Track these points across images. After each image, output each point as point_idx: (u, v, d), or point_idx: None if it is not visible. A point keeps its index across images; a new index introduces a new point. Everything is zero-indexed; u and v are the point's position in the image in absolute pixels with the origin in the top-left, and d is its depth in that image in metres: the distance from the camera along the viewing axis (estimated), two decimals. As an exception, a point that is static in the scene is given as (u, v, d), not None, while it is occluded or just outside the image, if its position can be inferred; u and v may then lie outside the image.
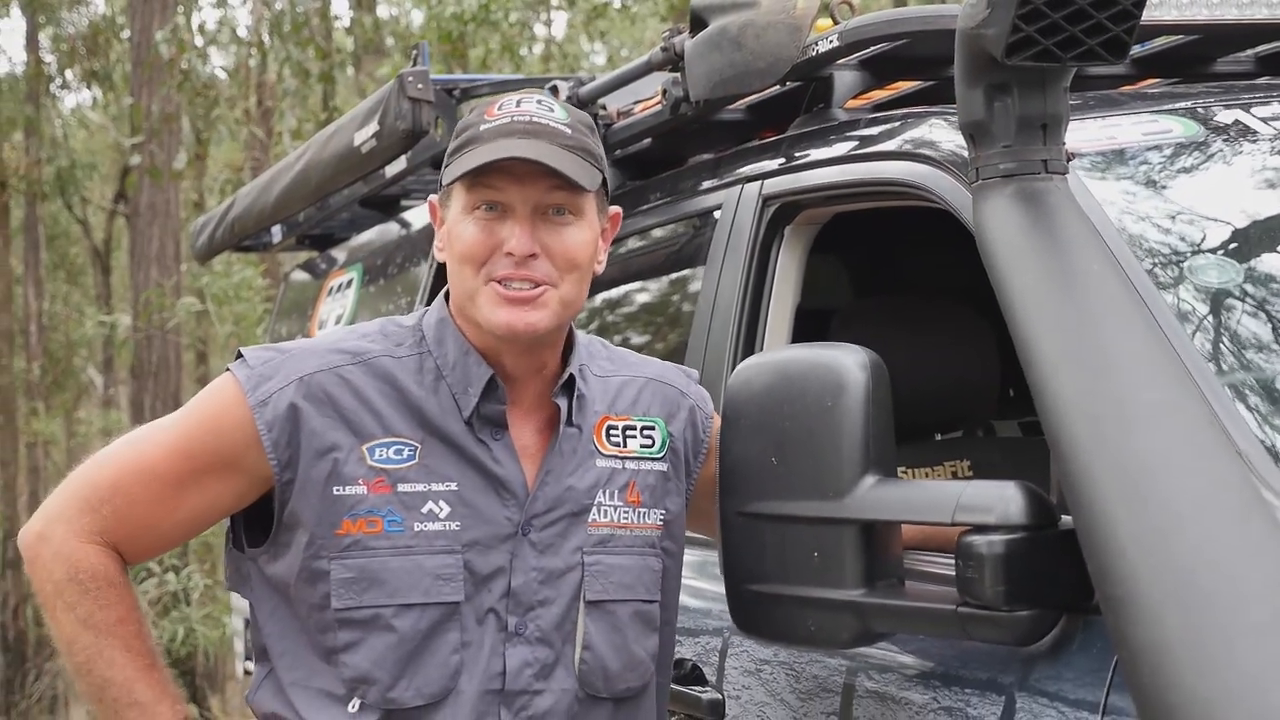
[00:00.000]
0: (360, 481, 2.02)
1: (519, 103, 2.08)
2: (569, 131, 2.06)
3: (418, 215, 4.59)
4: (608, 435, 2.17)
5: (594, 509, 2.13)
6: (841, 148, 2.73)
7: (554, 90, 3.57)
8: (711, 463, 2.29)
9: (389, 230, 4.70)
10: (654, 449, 2.21)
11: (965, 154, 2.32)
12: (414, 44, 4.00)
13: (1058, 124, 2.06)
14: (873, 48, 2.76)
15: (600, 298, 3.56)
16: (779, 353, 2.14)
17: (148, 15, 13.16)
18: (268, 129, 11.96)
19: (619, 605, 2.13)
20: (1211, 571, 1.58)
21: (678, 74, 3.09)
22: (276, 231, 5.51)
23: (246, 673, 5.48)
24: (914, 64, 2.95)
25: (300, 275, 5.61)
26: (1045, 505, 1.88)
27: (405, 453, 2.04)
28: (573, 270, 2.06)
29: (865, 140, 2.67)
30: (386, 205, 4.87)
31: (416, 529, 2.02)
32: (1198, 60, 3.06)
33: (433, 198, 2.17)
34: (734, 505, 2.10)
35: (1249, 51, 3.08)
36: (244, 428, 2.03)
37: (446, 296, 2.16)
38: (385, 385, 2.07)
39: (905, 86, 3.18)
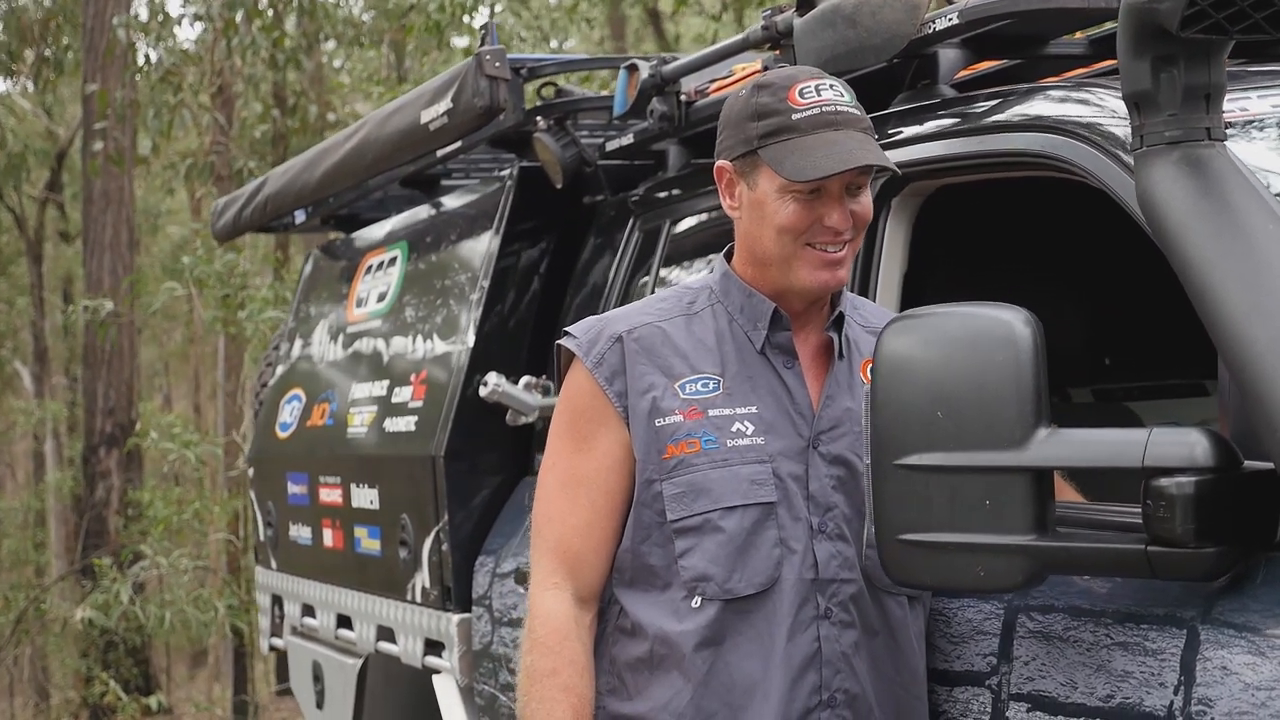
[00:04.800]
0: (677, 412, 2.39)
1: (819, 90, 2.37)
2: (858, 113, 2.38)
3: (464, 195, 4.63)
4: (870, 373, 2.35)
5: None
6: (954, 121, 2.84)
7: (632, 68, 3.66)
8: None
9: (436, 209, 4.74)
10: None
11: (1103, 124, 2.45)
12: (483, 25, 4.06)
13: (1220, 93, 2.18)
14: (991, 26, 2.87)
15: (679, 273, 3.65)
16: (935, 311, 2.19)
17: (101, 1, 13.08)
18: (229, 115, 11.91)
19: None
20: None
21: (777, 51, 3.19)
22: (300, 213, 5.55)
23: (272, 649, 5.53)
24: (1010, 42, 3.07)
25: (322, 257, 5.64)
26: (1229, 449, 2.00)
27: (710, 385, 2.41)
28: (863, 227, 2.42)
29: (981, 114, 2.77)
30: (427, 185, 4.93)
31: (729, 445, 2.37)
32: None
33: (723, 162, 2.44)
34: (890, 458, 2.15)
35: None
36: (592, 386, 2.42)
37: (726, 257, 2.51)
38: (687, 334, 2.45)
39: (986, 65, 3.28)
